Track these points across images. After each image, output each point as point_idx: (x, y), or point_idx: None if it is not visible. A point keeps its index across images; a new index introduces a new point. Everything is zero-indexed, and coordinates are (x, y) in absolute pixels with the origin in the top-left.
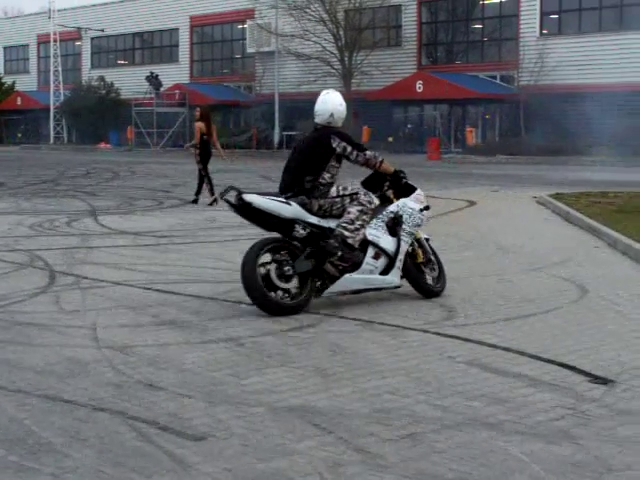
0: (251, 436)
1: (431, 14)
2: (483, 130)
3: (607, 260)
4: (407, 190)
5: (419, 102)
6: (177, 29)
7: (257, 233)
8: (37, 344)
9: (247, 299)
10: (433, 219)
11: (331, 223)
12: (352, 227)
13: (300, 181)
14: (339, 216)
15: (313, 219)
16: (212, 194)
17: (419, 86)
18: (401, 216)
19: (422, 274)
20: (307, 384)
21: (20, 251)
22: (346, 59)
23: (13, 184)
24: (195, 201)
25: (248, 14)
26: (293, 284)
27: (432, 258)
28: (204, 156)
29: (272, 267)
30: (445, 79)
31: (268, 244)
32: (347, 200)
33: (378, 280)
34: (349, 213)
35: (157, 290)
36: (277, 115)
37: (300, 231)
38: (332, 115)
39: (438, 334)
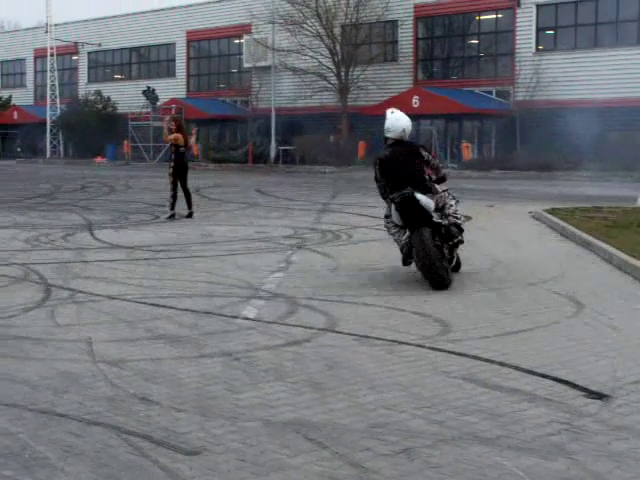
0: (246, 451)
1: (427, 30)
2: (479, 145)
3: (603, 275)
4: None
5: (415, 117)
6: (174, 44)
7: (252, 248)
8: (32, 358)
9: (243, 313)
10: None
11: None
12: (459, 215)
13: (420, 181)
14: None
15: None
16: (172, 208)
17: (415, 101)
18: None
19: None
20: (303, 399)
21: (15, 265)
22: (342, 74)
23: (8, 198)
24: (190, 215)
25: (245, 29)
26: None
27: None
28: (179, 169)
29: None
30: (441, 94)
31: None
32: (446, 195)
33: None
34: (451, 206)
35: (152, 304)
36: (273, 130)
37: (438, 220)
38: (404, 130)
39: (434, 349)
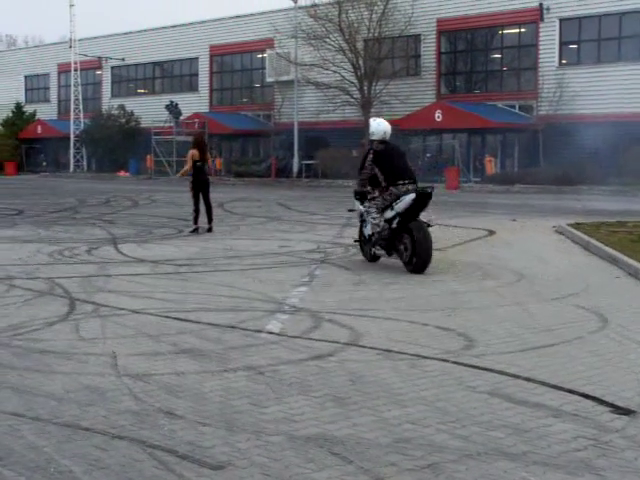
0: (271, 465)
1: (450, 44)
2: (502, 159)
3: (627, 290)
4: None
5: (438, 131)
6: (197, 58)
7: (276, 262)
8: (56, 372)
9: (267, 327)
10: (451, 248)
11: None
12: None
13: (413, 175)
14: None
15: None
16: (195, 222)
17: (438, 115)
18: None
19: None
20: (327, 413)
21: (40, 279)
22: (365, 88)
23: (32, 212)
24: (209, 229)
25: (268, 43)
26: None
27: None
28: (198, 183)
29: None
30: (464, 108)
31: None
32: None
33: None
34: None
35: (176, 318)
36: (296, 144)
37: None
38: (385, 132)
39: (458, 363)
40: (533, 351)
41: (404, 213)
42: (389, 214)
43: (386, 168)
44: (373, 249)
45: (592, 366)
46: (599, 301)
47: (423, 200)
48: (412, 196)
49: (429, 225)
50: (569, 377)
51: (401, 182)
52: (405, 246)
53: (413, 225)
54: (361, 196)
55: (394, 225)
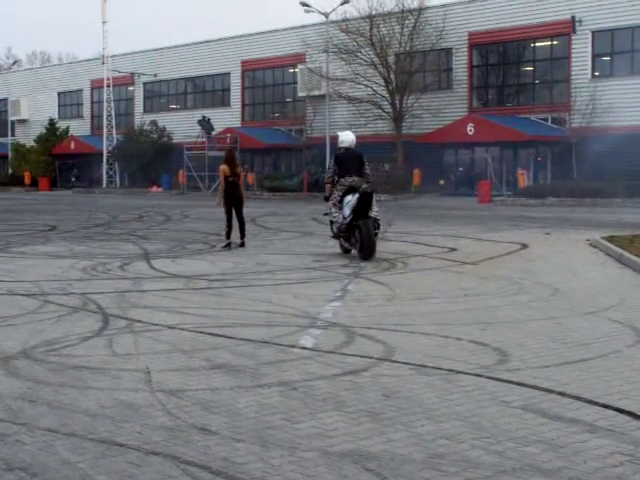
0: None
1: (482, 57)
2: (535, 172)
3: None
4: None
5: (470, 144)
6: (229, 73)
7: (309, 277)
8: (90, 387)
9: (300, 342)
10: (485, 262)
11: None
12: (379, 215)
13: (362, 174)
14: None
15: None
16: (228, 237)
17: (470, 129)
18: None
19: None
20: (361, 429)
21: (73, 294)
22: (397, 102)
23: (66, 227)
24: (242, 244)
25: (299, 58)
26: None
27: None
28: (230, 198)
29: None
30: (496, 122)
31: None
32: (374, 199)
33: None
34: (375, 207)
35: (209, 334)
36: (328, 158)
37: (374, 215)
38: (351, 142)
39: (492, 378)
40: (568, 365)
41: (354, 210)
42: (345, 212)
43: (341, 166)
44: (340, 241)
45: (627, 380)
46: (634, 315)
47: (366, 199)
48: (357, 196)
49: (376, 221)
50: (605, 392)
51: (348, 176)
52: (356, 238)
53: (361, 223)
54: (327, 200)
55: (347, 221)
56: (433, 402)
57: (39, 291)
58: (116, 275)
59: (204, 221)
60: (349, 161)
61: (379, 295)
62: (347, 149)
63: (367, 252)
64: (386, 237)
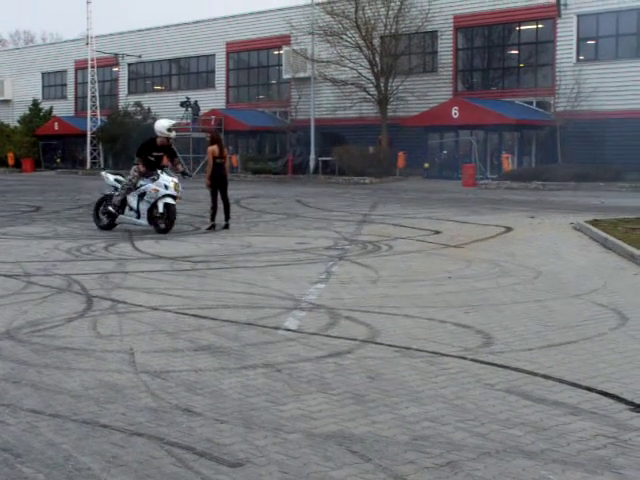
0: (289, 463)
1: (467, 40)
2: (519, 156)
3: None
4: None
5: (455, 128)
6: (213, 55)
7: (293, 259)
8: (74, 368)
9: (285, 324)
10: (469, 245)
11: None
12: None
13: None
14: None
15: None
16: (212, 219)
17: (455, 112)
18: (144, 192)
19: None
20: (345, 411)
21: (57, 275)
22: (382, 85)
23: (50, 208)
24: (226, 226)
25: (284, 40)
26: None
27: (163, 214)
28: (217, 180)
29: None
30: (481, 105)
31: None
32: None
33: (133, 221)
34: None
35: (193, 315)
36: (313, 141)
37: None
38: (161, 130)
39: (476, 361)
40: (552, 348)
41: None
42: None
43: (150, 154)
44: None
45: (611, 363)
46: (618, 298)
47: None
48: (163, 175)
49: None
50: (588, 375)
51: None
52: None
53: (168, 204)
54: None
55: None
56: (417, 384)
57: (23, 272)
58: (100, 256)
59: (188, 203)
60: (157, 149)
61: (363, 277)
62: (158, 137)
63: (165, 228)
64: (371, 220)
